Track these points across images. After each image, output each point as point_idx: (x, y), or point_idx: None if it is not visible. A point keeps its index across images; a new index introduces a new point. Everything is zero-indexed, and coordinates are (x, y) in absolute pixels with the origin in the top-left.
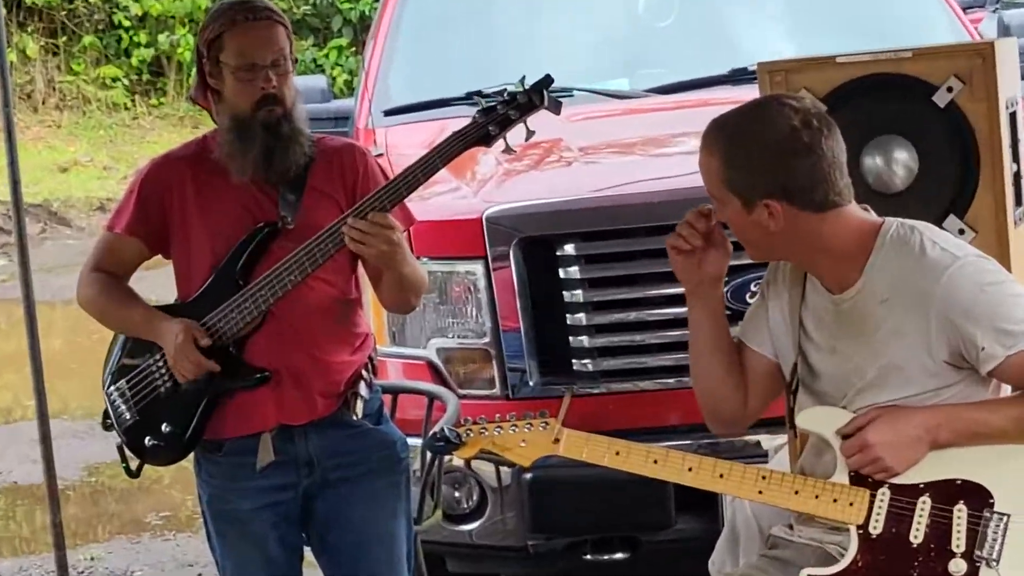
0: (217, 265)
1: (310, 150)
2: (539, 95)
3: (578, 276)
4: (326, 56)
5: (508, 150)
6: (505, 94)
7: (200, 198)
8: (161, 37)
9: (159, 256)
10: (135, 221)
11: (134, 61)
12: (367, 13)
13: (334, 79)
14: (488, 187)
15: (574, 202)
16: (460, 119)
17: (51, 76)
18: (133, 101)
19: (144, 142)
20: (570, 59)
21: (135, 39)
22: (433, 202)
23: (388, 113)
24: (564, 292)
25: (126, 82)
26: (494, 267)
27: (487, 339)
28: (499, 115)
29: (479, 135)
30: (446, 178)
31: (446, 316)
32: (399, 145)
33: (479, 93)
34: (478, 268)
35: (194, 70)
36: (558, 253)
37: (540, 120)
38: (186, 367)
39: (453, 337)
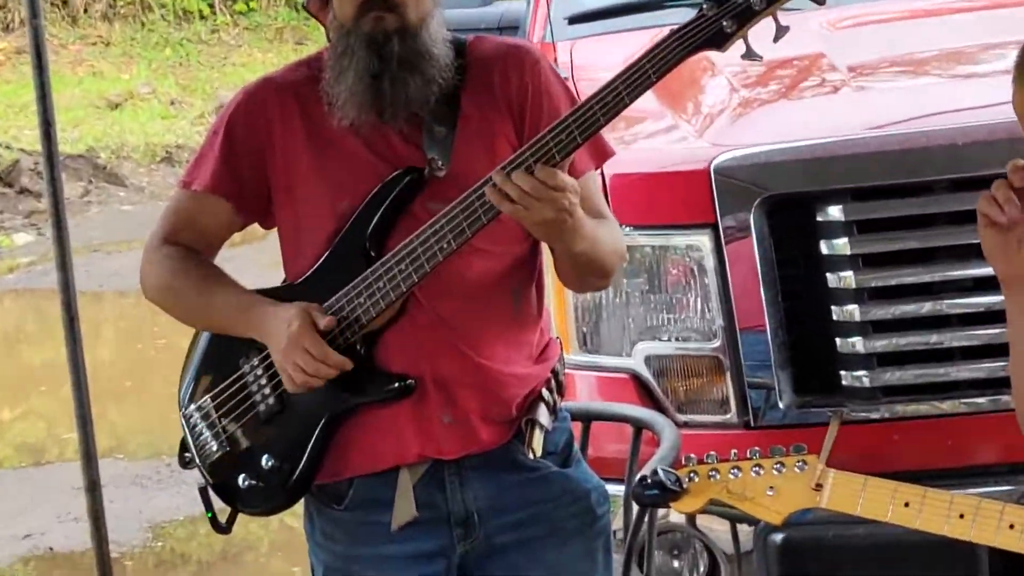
0: (339, 231)
1: (448, 73)
2: None
3: (848, 251)
4: None
5: (750, 55)
6: None
7: (314, 140)
8: None
9: (254, 226)
10: (222, 174)
11: None
12: None
13: None
14: (718, 123)
15: (843, 144)
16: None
17: None
18: (212, 7)
19: (227, 65)
20: None
21: None
22: (637, 146)
23: (574, 20)
24: (828, 274)
25: None
26: (727, 239)
27: (717, 343)
28: (735, 4)
29: (708, 33)
30: (655, 110)
31: (659, 310)
32: (591, 66)
33: None
34: (704, 241)
35: None
36: (820, 219)
37: (794, 21)
38: (305, 365)
39: (669, 340)
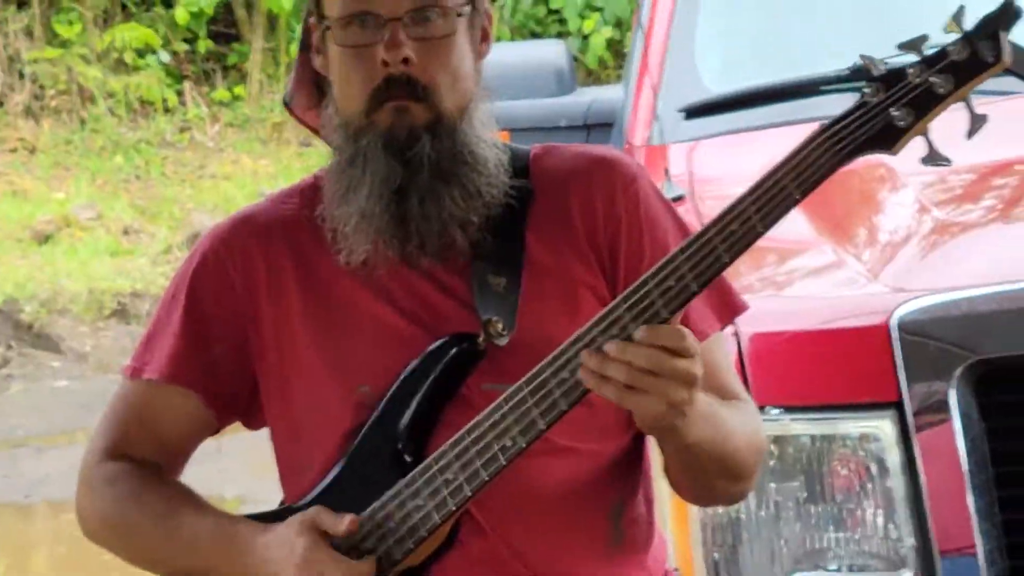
0: (358, 429)
1: (499, 190)
2: (993, 43)
3: None
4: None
5: (934, 158)
6: (923, 49)
7: (314, 302)
8: None
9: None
10: (184, 356)
11: (180, 16)
12: None
13: (584, 44)
14: (902, 259)
15: None
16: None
17: (15, 47)
18: (180, 94)
19: (204, 177)
20: None
21: None
22: (785, 294)
23: (693, 113)
24: None
25: (166, 57)
26: (918, 425)
27: (908, 574)
28: (911, 87)
29: (873, 129)
30: (810, 240)
31: (823, 527)
32: (718, 179)
33: (870, 64)
34: (885, 427)
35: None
36: None
37: (1000, 111)
38: None
39: (839, 570)
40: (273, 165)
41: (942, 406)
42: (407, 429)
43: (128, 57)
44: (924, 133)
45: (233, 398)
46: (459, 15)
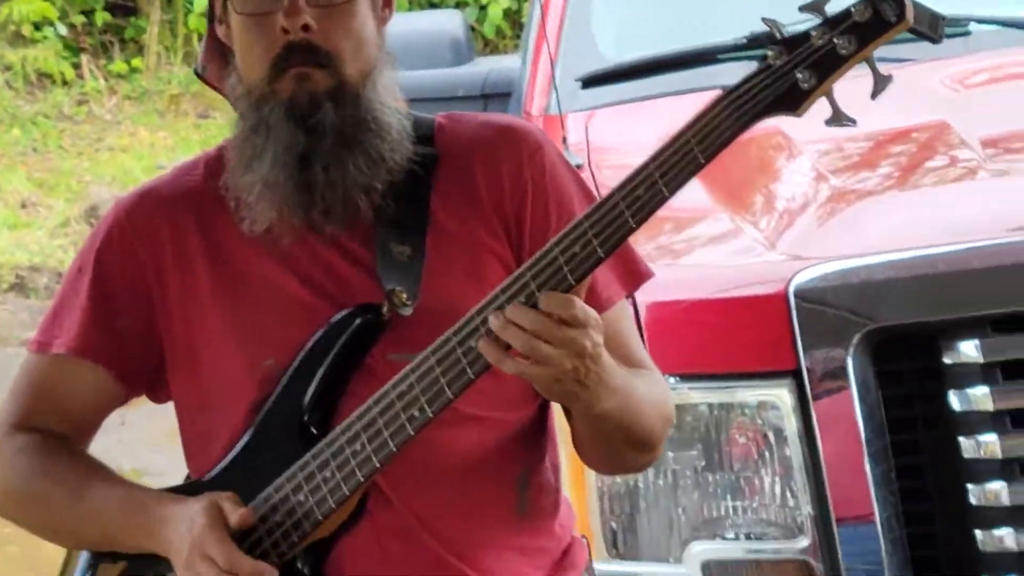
0: (263, 401)
1: (403, 156)
2: (896, 2)
3: (991, 407)
4: None
5: (838, 119)
6: (825, 10)
7: (220, 273)
8: None
9: (140, 399)
10: (92, 330)
11: None
12: None
13: (481, 14)
14: (799, 226)
15: (980, 253)
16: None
17: None
18: (77, 67)
19: (102, 150)
20: None
21: None
22: (684, 261)
23: (590, 83)
24: (962, 439)
25: (63, 29)
26: (816, 392)
27: (806, 541)
28: (815, 48)
29: (777, 91)
30: (707, 208)
31: (720, 496)
32: (615, 148)
33: (773, 27)
34: (783, 395)
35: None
36: (948, 360)
37: (904, 75)
38: None
39: (736, 538)
40: (171, 137)
41: (840, 374)
42: (312, 401)
43: (25, 30)
44: (828, 94)
45: (140, 371)
46: None
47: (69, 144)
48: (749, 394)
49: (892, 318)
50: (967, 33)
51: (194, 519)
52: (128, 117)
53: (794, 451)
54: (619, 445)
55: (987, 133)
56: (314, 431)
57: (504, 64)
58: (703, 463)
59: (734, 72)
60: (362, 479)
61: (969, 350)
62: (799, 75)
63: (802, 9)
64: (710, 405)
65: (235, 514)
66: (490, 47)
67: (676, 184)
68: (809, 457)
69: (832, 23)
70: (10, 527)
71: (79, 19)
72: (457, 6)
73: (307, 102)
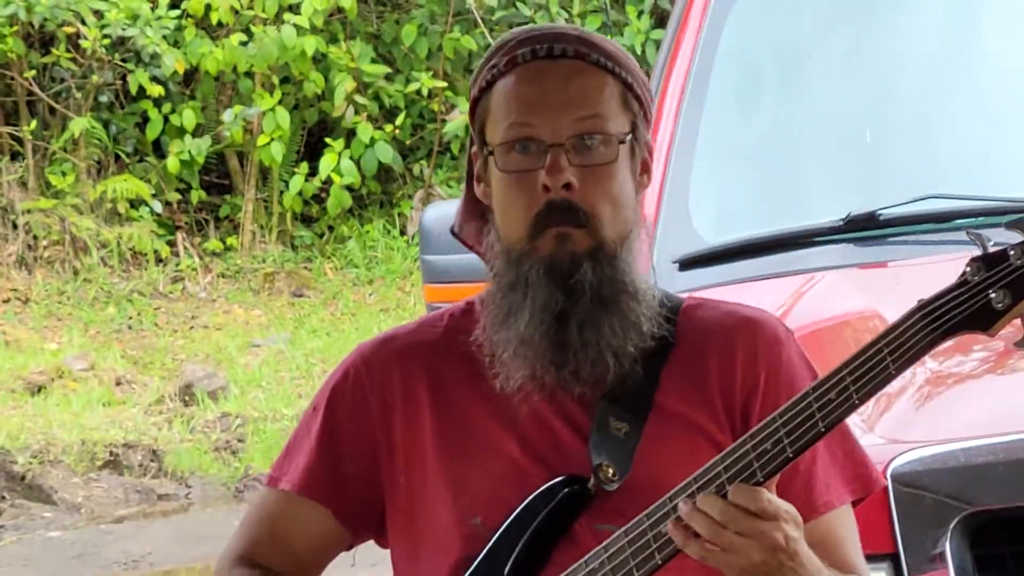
0: (468, 560)
1: (656, 325)
2: None
3: None
4: None
5: None
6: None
7: (444, 428)
8: (228, 113)
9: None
10: (318, 470)
11: (172, 165)
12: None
13: None
14: (898, 408)
15: None
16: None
17: (8, 198)
18: (172, 245)
19: (196, 328)
20: None
21: (173, 121)
22: None
23: (687, 264)
24: None
25: (158, 207)
26: None
27: None
28: (1011, 269)
29: (970, 309)
30: None
31: None
32: None
33: (978, 240)
34: None
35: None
36: None
37: None
38: None
39: None
40: (265, 315)
41: (938, 558)
42: (514, 567)
43: (121, 207)
44: (1021, 316)
45: (363, 515)
46: (621, 142)
47: (163, 322)
48: None
49: (991, 502)
50: None
51: None
52: (222, 295)
53: None
54: None
55: None
56: None
57: None
58: None
59: (830, 254)
60: None
61: None
62: (993, 295)
63: (1007, 226)
64: None
65: None
66: None
67: (867, 392)
68: None
69: None
70: None
71: (174, 196)
72: None
73: (567, 261)
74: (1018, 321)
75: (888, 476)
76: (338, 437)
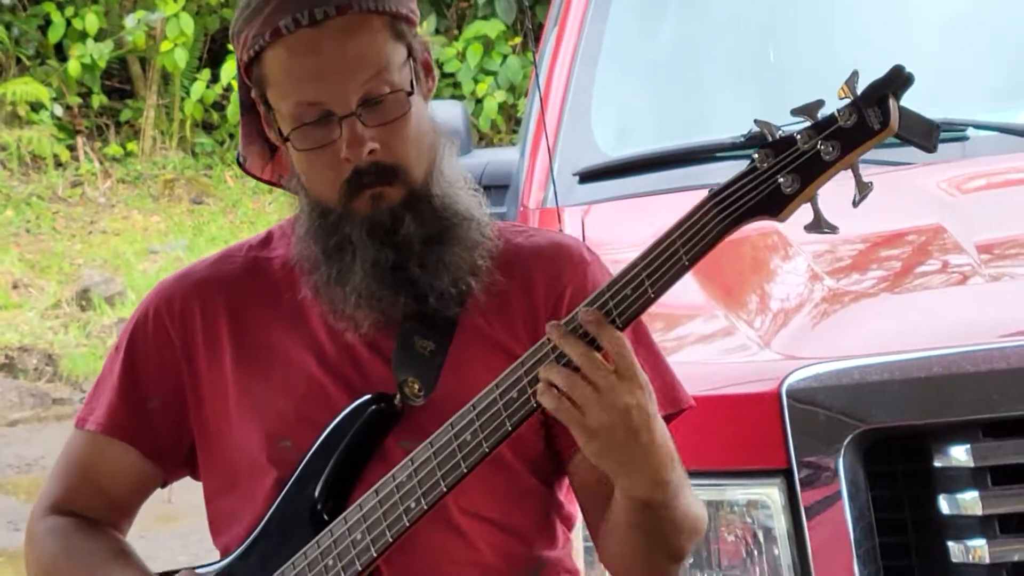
0: (281, 482)
1: (491, 233)
2: (881, 109)
3: (980, 511)
4: (461, 56)
5: (819, 225)
6: (816, 114)
7: (244, 356)
8: (131, 18)
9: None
10: (121, 409)
11: (72, 68)
12: None
13: (477, 107)
14: (793, 326)
15: (972, 358)
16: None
17: None
18: (72, 149)
19: (94, 232)
20: (940, 71)
21: (75, 25)
22: (674, 359)
23: (587, 177)
24: (950, 543)
25: (58, 111)
26: (805, 493)
27: None
28: (800, 153)
29: (760, 195)
30: (701, 306)
31: None
32: (611, 243)
33: (765, 128)
34: (773, 494)
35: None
36: (938, 464)
37: (898, 179)
38: None
39: None
40: (164, 222)
41: (830, 474)
42: (325, 488)
43: (21, 110)
44: (811, 200)
45: (173, 451)
46: (410, 93)
47: (62, 226)
48: (739, 492)
49: (884, 420)
50: (965, 138)
51: None
52: (122, 200)
53: (783, 550)
54: (654, 545)
55: (982, 238)
56: (325, 517)
57: (502, 156)
58: (691, 560)
59: (731, 170)
60: (360, 568)
61: (959, 454)
62: (782, 179)
63: (794, 112)
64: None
65: None
66: (485, 140)
67: (662, 286)
68: (798, 557)
69: (818, 127)
70: None
71: (75, 100)
72: (452, 99)
73: (388, 218)
74: (808, 206)
75: (783, 392)
76: (141, 375)
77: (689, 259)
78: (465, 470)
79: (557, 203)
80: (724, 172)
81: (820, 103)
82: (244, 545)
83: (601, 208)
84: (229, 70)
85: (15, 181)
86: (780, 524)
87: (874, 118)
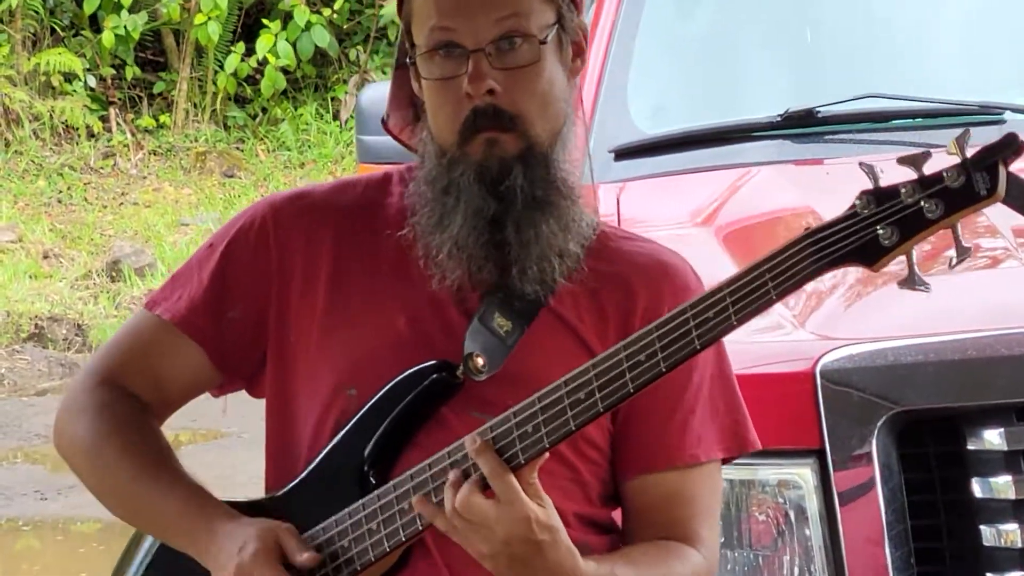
0: (335, 432)
1: (590, 230)
2: (990, 174)
3: (1013, 495)
4: None
5: (913, 282)
6: (922, 167)
7: (337, 294)
8: None
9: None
10: (202, 308)
11: (107, 39)
12: None
13: None
14: (828, 307)
15: (1007, 341)
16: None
17: None
18: (105, 120)
19: (125, 204)
20: (977, 55)
21: None
22: None
23: (623, 154)
24: (983, 527)
25: (92, 82)
26: (837, 473)
27: None
28: (900, 206)
29: (857, 242)
30: None
31: (740, 572)
32: (643, 220)
33: (869, 173)
34: (806, 475)
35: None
36: (971, 447)
37: (937, 159)
38: None
39: None
40: (195, 194)
41: (863, 455)
42: (376, 447)
43: (55, 81)
44: (908, 254)
45: (239, 363)
46: (543, 42)
47: (93, 197)
48: (771, 472)
49: (918, 402)
50: (1002, 121)
51: (247, 542)
52: (153, 172)
53: (814, 531)
54: None
55: (1019, 221)
56: (372, 479)
57: None
58: (723, 540)
59: (767, 149)
60: (404, 538)
61: (993, 437)
62: (881, 230)
63: (900, 161)
64: (731, 482)
65: (303, 554)
66: None
67: (745, 315)
68: (829, 537)
69: (924, 183)
70: None
71: (109, 72)
72: None
73: (497, 167)
74: (903, 258)
75: (817, 372)
76: (231, 281)
77: (777, 294)
78: (523, 461)
79: (593, 180)
80: (761, 151)
81: (927, 155)
82: (290, 486)
83: (636, 186)
84: (264, 43)
85: (47, 151)
86: (812, 504)
87: (982, 183)
